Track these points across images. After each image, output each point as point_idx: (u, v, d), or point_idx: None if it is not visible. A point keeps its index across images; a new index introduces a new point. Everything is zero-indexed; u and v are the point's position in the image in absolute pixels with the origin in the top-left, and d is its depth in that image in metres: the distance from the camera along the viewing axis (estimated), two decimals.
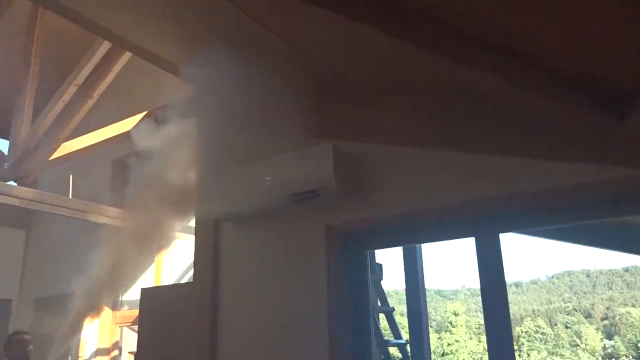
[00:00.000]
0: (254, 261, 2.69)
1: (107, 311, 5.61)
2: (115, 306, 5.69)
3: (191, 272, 3.16)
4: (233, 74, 2.76)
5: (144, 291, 2.99)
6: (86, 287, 3.53)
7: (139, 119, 3.45)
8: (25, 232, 6.70)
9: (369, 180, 2.32)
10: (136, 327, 5.13)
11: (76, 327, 3.70)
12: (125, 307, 5.71)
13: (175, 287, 3.00)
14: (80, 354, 5.64)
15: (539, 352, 25.88)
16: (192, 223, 3.32)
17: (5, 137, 4.61)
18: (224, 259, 2.77)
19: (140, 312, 2.97)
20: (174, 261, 5.36)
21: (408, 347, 3.15)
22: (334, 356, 2.25)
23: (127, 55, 3.65)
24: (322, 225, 2.38)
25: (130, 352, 5.52)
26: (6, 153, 4.38)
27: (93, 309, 3.79)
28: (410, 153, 2.27)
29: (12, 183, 4.52)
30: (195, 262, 2.87)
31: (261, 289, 2.61)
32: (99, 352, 5.60)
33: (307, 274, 2.45)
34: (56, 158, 3.97)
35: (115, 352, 5.63)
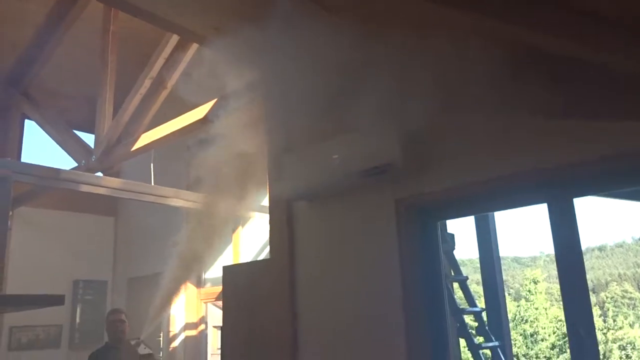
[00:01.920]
0: (327, 237, 2.80)
1: (192, 288, 5.97)
2: (199, 283, 6.04)
3: (268, 249, 3.32)
4: (299, 56, 2.85)
5: (226, 268, 3.18)
6: (171, 267, 3.78)
7: (211, 105, 3.62)
8: (114, 218, 7.20)
9: (437, 151, 2.34)
10: (219, 303, 5.45)
11: (165, 304, 3.98)
12: (209, 285, 6.05)
13: (254, 263, 3.16)
14: (170, 328, 6.06)
15: (626, 317, 24.67)
16: (266, 202, 3.48)
17: (91, 132, 4.97)
18: (299, 236, 2.89)
19: (223, 288, 3.16)
20: (251, 239, 5.60)
21: (484, 315, 3.17)
22: (410, 326, 2.32)
23: (195, 46, 3.81)
24: (392, 200, 2.44)
25: (215, 327, 5.87)
26: (92, 147, 4.72)
27: (179, 287, 4.05)
28: (478, 121, 2.26)
29: (99, 174, 4.86)
30: (270, 239, 3.01)
31: (335, 263, 2.72)
32: (187, 326, 5.99)
33: (379, 248, 2.53)
34: (137, 148, 4.24)
35: (202, 327, 6.00)
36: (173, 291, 3.61)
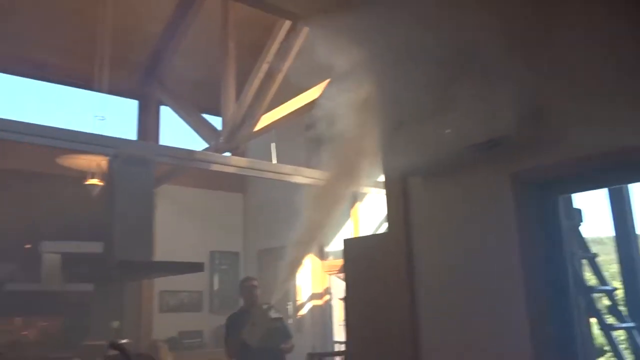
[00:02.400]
0: (442, 212, 2.79)
1: (316, 260, 6.25)
2: (322, 256, 6.30)
3: (385, 223, 3.40)
4: (408, 31, 2.83)
5: (346, 241, 3.30)
6: (295, 239, 3.99)
7: (324, 85, 3.72)
8: (242, 194, 7.72)
9: (554, 121, 2.22)
10: (341, 275, 5.66)
11: (291, 274, 4.21)
12: (331, 257, 6.29)
13: (373, 237, 3.25)
14: (298, 298, 6.42)
15: None
16: (382, 178, 3.53)
17: (218, 115, 5.36)
18: (414, 210, 2.92)
19: (344, 260, 3.30)
20: (370, 213, 5.70)
21: (617, 295, 2.96)
22: (531, 303, 2.26)
23: (306, 30, 3.93)
24: (507, 174, 2.36)
25: (340, 299, 6.10)
26: (220, 129, 5.09)
27: (302, 258, 4.26)
28: (596, 89, 2.10)
29: (227, 154, 5.23)
30: (387, 214, 3.07)
31: (452, 238, 2.71)
32: (313, 296, 6.30)
33: (496, 223, 2.47)
34: (259, 129, 4.50)
35: (327, 297, 6.28)
36: (297, 262, 3.83)
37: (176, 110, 6.11)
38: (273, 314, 3.47)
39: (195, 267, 3.38)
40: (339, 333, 6.02)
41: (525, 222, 2.27)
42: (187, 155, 4.06)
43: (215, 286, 7.18)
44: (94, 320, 7.61)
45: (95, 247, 5.48)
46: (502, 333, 2.41)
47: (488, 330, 2.46)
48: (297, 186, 4.44)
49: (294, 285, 6.29)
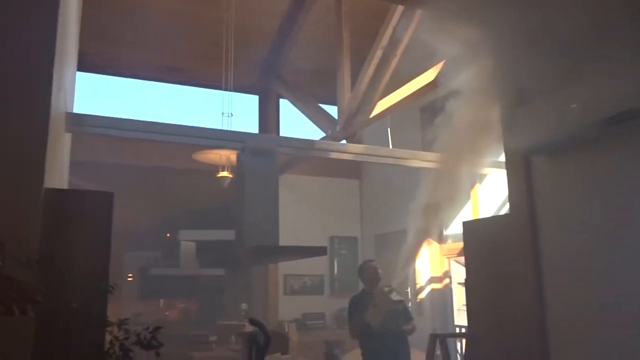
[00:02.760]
0: (571, 192, 2.68)
1: (434, 244, 6.22)
2: (441, 240, 6.26)
3: (506, 205, 3.32)
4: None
5: (466, 224, 3.29)
6: (415, 223, 4.04)
7: (439, 68, 3.70)
8: (358, 181, 7.87)
9: None
10: (461, 259, 5.57)
11: (411, 257, 4.26)
12: (450, 241, 6.22)
13: (494, 219, 3.19)
14: (417, 281, 6.44)
15: None
16: (502, 158, 3.45)
17: (333, 104, 5.53)
18: (539, 190, 2.83)
19: (464, 242, 3.28)
20: (490, 194, 5.55)
21: None
22: None
23: (419, 13, 3.92)
24: None
25: (459, 283, 6.02)
26: (336, 117, 5.25)
27: (422, 241, 4.29)
28: None
29: (343, 142, 5.37)
30: (509, 194, 3.01)
31: (582, 220, 2.59)
32: (432, 279, 6.28)
33: (633, 204, 2.33)
34: (375, 115, 4.58)
35: (447, 281, 6.23)
36: (417, 245, 3.87)
37: (294, 102, 6.38)
38: (395, 297, 3.55)
39: (319, 251, 3.56)
40: (459, 317, 5.96)
41: None
42: (308, 145, 4.25)
43: (335, 270, 7.43)
44: (226, 302, 8.26)
45: (227, 235, 5.95)
46: (637, 322, 2.28)
47: (622, 318, 2.34)
48: (412, 170, 4.46)
49: (413, 269, 6.32)
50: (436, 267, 6.26)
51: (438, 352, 3.40)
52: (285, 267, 6.94)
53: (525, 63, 2.81)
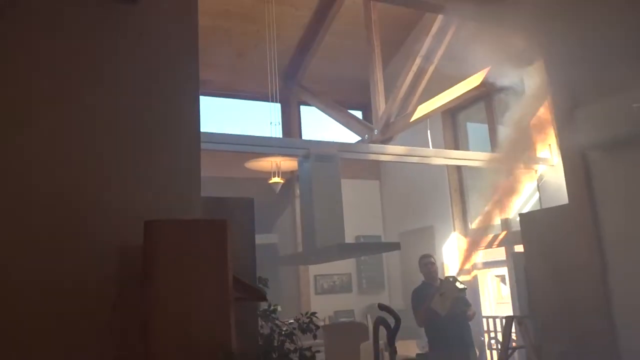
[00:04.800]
0: (628, 183, 2.99)
1: (461, 238, 6.54)
2: (466, 233, 6.57)
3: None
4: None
5: (523, 216, 3.60)
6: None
7: (485, 74, 4.01)
8: (378, 181, 8.17)
9: None
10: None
11: (470, 253, 4.59)
12: None
13: (553, 210, 3.50)
14: (445, 273, 6.74)
15: None
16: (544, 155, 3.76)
17: (358, 109, 5.80)
18: (597, 183, 3.14)
19: (522, 233, 3.58)
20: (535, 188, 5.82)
21: None
22: None
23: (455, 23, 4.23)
24: None
25: (497, 276, 6.29)
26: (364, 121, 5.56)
27: (480, 239, 4.56)
28: None
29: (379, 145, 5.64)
30: (568, 187, 3.31)
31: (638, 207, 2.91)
32: (461, 272, 6.60)
33: None
34: (416, 119, 4.89)
35: (475, 272, 6.55)
36: (476, 242, 4.19)
37: (323, 109, 6.66)
38: (459, 285, 3.85)
39: (394, 247, 3.85)
40: (490, 308, 6.29)
41: None
42: (364, 149, 4.51)
43: (362, 269, 7.71)
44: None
45: (269, 239, 6.20)
46: None
47: None
48: (431, 168, 4.71)
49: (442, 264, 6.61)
50: (464, 259, 6.57)
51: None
52: (315, 268, 7.21)
53: (579, 68, 3.13)
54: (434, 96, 4.75)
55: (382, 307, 2.31)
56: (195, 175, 2.16)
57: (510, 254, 4.90)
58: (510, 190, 3.83)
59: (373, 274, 7.67)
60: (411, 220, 7.24)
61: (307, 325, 2.08)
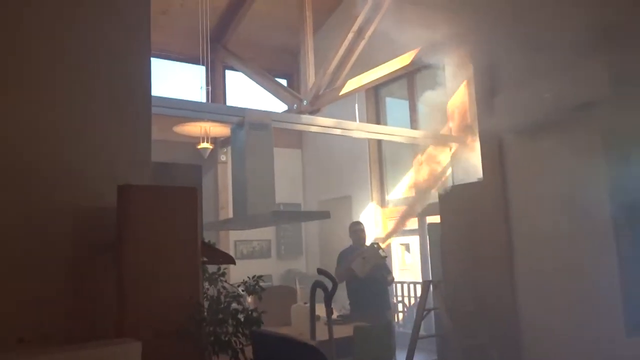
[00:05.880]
0: (535, 163, 3.36)
1: (378, 208, 6.89)
2: (383, 204, 6.94)
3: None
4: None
5: (442, 190, 3.91)
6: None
7: (415, 53, 4.23)
8: (300, 150, 8.32)
9: None
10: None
11: (400, 225, 4.91)
12: (391, 205, 6.92)
13: (469, 185, 3.84)
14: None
15: None
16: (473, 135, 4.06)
17: (283, 77, 5.81)
18: (509, 162, 3.50)
19: (440, 205, 3.90)
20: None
21: None
22: (620, 246, 2.87)
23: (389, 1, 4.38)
24: (599, 132, 2.92)
25: (401, 244, 6.72)
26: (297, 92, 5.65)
27: (413, 212, 4.87)
28: None
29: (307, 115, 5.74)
30: (483, 165, 3.65)
31: (544, 184, 3.29)
32: (378, 240, 6.97)
33: (587, 171, 3.04)
34: (345, 93, 5.05)
35: (389, 241, 6.95)
36: (408, 214, 4.47)
37: (250, 75, 6.63)
38: (382, 253, 4.14)
39: (324, 215, 4.03)
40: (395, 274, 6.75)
41: (616, 175, 2.85)
42: (296, 119, 4.58)
43: (281, 235, 7.90)
44: None
45: None
46: (592, 275, 2.99)
47: (579, 272, 3.05)
48: (351, 140, 4.93)
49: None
50: (380, 228, 6.95)
51: None
52: (235, 233, 7.29)
53: (502, 57, 3.42)
54: (362, 71, 4.96)
55: (320, 271, 2.49)
56: (147, 140, 2.17)
57: (424, 224, 5.27)
58: (434, 167, 4.12)
59: (292, 241, 7.90)
60: (330, 189, 7.50)
61: (254, 287, 2.20)
